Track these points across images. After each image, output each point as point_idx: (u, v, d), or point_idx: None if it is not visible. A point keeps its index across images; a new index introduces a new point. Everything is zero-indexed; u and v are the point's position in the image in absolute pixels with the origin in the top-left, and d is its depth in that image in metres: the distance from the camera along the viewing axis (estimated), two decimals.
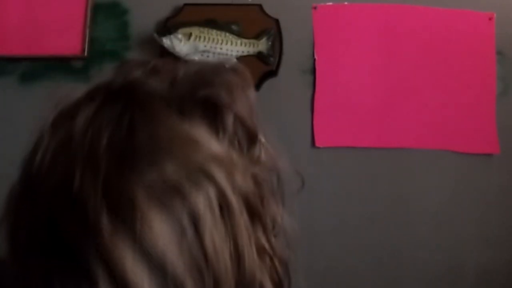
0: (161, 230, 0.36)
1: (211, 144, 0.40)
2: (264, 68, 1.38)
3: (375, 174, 1.38)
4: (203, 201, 0.37)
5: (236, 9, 1.41)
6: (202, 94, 0.42)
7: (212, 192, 0.38)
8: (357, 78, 1.40)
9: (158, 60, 0.46)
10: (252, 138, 0.44)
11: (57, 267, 0.36)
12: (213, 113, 0.42)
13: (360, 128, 1.38)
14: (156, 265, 0.35)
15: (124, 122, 0.38)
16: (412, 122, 1.39)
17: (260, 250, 0.41)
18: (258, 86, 1.38)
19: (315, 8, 1.42)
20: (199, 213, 0.37)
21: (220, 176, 0.39)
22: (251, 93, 0.46)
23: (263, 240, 0.42)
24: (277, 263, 0.43)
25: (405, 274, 1.35)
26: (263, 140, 0.45)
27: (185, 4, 1.41)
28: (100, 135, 0.38)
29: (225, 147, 0.41)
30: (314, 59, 1.40)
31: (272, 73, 1.39)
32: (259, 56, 1.38)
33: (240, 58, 1.38)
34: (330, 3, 1.42)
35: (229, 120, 0.42)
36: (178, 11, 1.41)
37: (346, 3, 1.43)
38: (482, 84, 1.40)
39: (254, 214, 0.41)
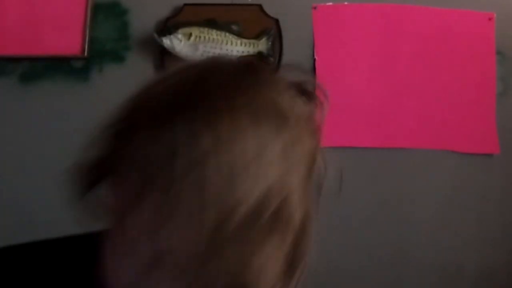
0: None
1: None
2: None
3: (375, 174, 1.38)
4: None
5: (236, 9, 1.41)
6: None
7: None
8: (357, 78, 1.40)
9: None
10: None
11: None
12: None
13: (360, 128, 1.38)
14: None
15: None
16: (412, 122, 1.39)
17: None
18: None
19: (315, 8, 1.42)
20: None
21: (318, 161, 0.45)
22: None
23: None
24: None
25: (405, 273, 1.35)
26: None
27: (185, 4, 1.41)
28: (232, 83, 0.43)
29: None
30: (314, 59, 1.40)
31: None
32: (259, 56, 1.38)
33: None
34: (330, 3, 1.42)
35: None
36: (178, 11, 1.41)
37: (346, 3, 1.42)
38: (482, 84, 1.40)
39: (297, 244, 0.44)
